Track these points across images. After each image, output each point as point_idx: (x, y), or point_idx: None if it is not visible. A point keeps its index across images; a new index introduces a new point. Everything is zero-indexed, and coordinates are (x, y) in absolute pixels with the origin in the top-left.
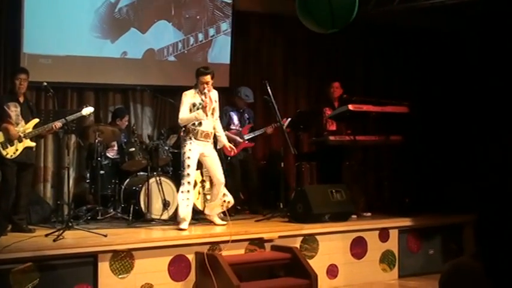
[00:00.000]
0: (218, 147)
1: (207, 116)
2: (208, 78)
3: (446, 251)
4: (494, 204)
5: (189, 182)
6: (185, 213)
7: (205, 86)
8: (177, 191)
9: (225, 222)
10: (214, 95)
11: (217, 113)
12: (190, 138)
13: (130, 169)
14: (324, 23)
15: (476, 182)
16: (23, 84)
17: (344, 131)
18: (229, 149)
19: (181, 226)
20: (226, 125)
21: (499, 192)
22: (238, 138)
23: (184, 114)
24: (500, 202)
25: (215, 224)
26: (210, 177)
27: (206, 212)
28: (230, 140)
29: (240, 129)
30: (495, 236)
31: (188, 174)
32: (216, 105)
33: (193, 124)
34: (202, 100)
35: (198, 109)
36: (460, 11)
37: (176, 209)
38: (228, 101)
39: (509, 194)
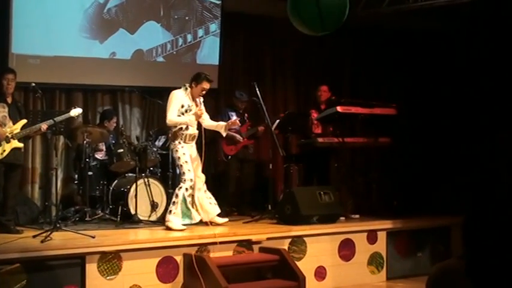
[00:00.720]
0: (224, 131)
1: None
2: (209, 86)
3: (434, 253)
4: (480, 205)
5: (191, 187)
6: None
7: (202, 93)
8: (165, 192)
9: (226, 220)
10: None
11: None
12: (180, 143)
13: (118, 170)
14: (313, 26)
15: (463, 183)
16: (11, 85)
17: (329, 134)
18: (231, 124)
19: (178, 227)
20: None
21: (486, 193)
22: (238, 136)
23: (173, 115)
24: (487, 203)
25: (217, 224)
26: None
27: (205, 218)
28: (231, 138)
29: (239, 128)
30: (481, 237)
31: (191, 180)
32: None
33: (181, 129)
34: (195, 106)
35: (186, 111)
36: (449, 12)
37: (166, 210)
38: (216, 102)
39: (495, 195)
